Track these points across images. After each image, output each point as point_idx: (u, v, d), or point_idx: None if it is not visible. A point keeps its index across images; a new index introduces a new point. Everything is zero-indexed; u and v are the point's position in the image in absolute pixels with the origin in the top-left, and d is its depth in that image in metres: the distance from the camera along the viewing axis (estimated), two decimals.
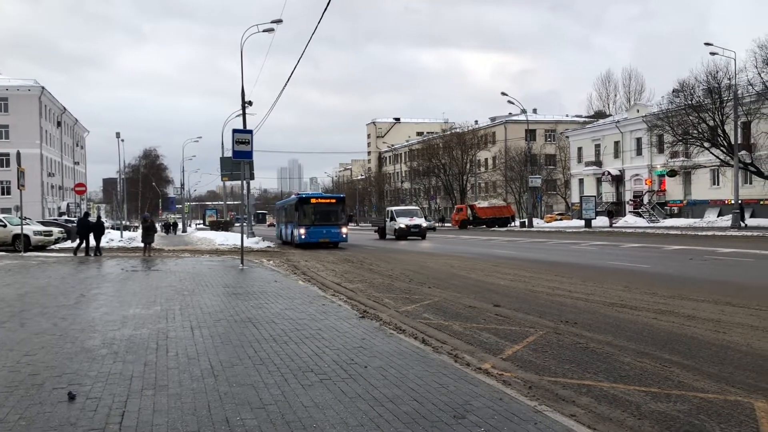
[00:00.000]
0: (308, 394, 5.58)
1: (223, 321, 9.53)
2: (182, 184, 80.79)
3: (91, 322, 9.51)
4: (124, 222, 46.84)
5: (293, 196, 40.21)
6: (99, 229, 27.82)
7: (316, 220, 33.34)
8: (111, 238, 36.34)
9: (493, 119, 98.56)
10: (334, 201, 35.09)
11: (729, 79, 44.06)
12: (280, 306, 11.04)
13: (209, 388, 5.82)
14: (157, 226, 37.55)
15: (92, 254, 26.39)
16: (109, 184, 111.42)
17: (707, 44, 42.64)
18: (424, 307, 11.69)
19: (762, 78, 42.96)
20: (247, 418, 4.96)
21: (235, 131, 19.63)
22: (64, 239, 34.59)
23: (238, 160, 20.64)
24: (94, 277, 17.22)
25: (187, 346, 7.68)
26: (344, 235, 33.67)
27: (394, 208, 47.52)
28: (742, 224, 42.97)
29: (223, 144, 50.77)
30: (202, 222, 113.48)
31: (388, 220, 45.89)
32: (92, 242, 27.03)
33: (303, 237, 32.96)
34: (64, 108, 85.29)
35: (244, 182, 29.10)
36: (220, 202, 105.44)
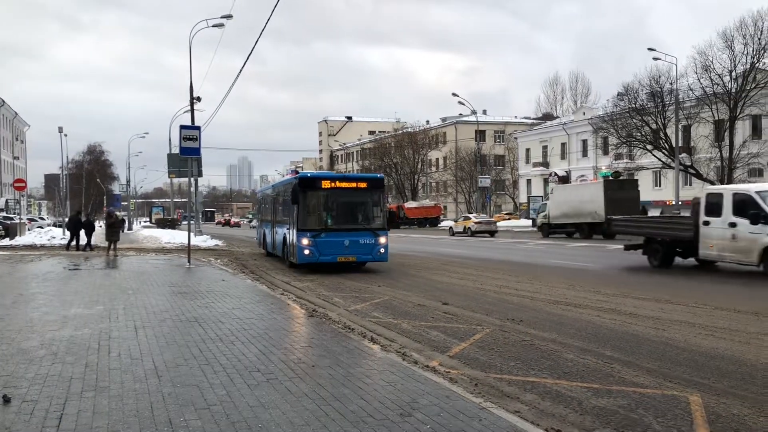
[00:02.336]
0: (254, 394, 5.52)
1: (168, 321, 9.34)
2: (128, 181, 78.88)
3: (29, 323, 9.19)
4: (66, 219, 45.36)
5: (288, 176, 22.89)
6: (89, 227, 29.40)
7: (333, 220, 18.17)
8: (53, 235, 35.19)
9: (444, 119, 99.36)
10: (364, 185, 18.69)
11: (671, 83, 45.49)
12: (228, 305, 10.89)
13: (152, 389, 5.70)
14: (98, 223, 33.56)
15: (84, 249, 27.70)
16: (51, 180, 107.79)
17: (650, 49, 43.87)
18: (374, 305, 11.71)
19: (701, 83, 44.52)
20: (191, 419, 4.87)
21: (182, 127, 19.27)
22: (2, 237, 33.36)
23: (186, 156, 20.26)
24: (34, 275, 16.64)
25: (130, 347, 7.50)
26: (382, 249, 18.11)
27: (756, 188, 16.20)
28: None
29: (170, 140, 49.81)
30: (148, 220, 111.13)
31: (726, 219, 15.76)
32: (83, 239, 28.63)
33: (307, 252, 17.53)
34: (3, 101, 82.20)
35: (192, 179, 28.59)
36: (168, 200, 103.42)
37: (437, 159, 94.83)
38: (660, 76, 46.31)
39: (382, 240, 18.00)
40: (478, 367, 7.11)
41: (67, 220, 33.01)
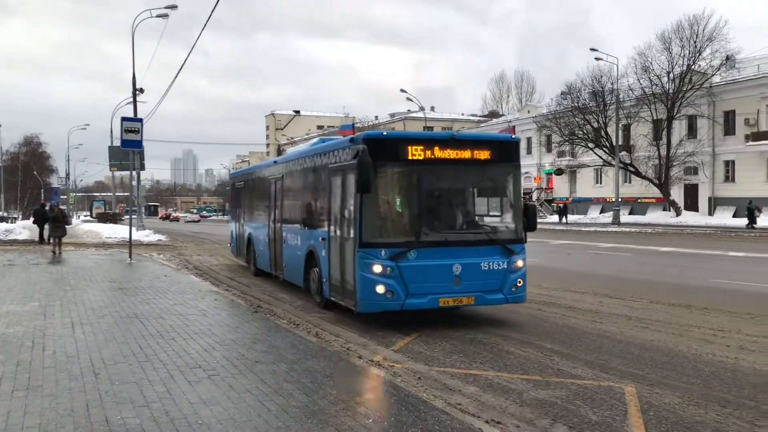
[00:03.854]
0: (195, 391, 5.44)
1: (107, 317, 9.11)
2: (67, 174, 76.44)
3: None
4: (0, 213, 43.66)
5: (337, 137, 15.61)
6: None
7: (429, 223, 9.29)
8: None
9: (392, 115, 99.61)
10: (486, 155, 9.44)
11: (612, 83, 46.79)
12: (170, 301, 10.68)
13: (89, 387, 5.55)
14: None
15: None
16: None
17: (593, 50, 44.95)
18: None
19: (641, 84, 45.93)
20: (129, 416, 4.77)
21: (124, 119, 18.77)
22: None
23: (128, 149, 19.77)
24: None
25: (66, 344, 7.28)
26: (520, 281, 9.37)
27: None
28: (564, 220, 49.48)
29: (112, 132, 48.42)
30: (89, 214, 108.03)
31: None
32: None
33: (382, 290, 8.68)
34: None
35: (134, 173, 27.93)
36: (109, 194, 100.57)
37: None
38: (602, 76, 47.64)
39: (519, 263, 9.42)
40: (422, 360, 7.18)
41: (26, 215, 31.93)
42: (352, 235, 8.99)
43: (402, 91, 60.68)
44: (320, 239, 10.37)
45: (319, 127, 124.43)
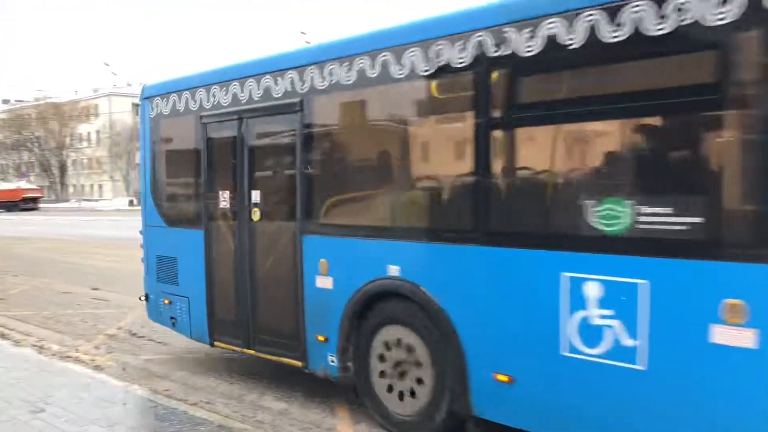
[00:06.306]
0: None
1: None
2: None
3: None
4: None
5: None
6: None
7: None
8: None
9: (96, 90, 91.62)
10: None
11: None
12: None
13: None
14: None
15: None
16: None
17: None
18: (9, 297, 10.41)
19: None
20: None
21: None
22: None
23: None
24: None
25: None
26: None
27: None
28: None
29: None
30: None
31: None
32: None
33: None
34: None
35: None
36: None
37: (89, 133, 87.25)
38: None
39: None
40: (128, 351, 6.83)
41: None
42: None
43: (105, 64, 56.22)
44: None
45: (5, 102, 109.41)
